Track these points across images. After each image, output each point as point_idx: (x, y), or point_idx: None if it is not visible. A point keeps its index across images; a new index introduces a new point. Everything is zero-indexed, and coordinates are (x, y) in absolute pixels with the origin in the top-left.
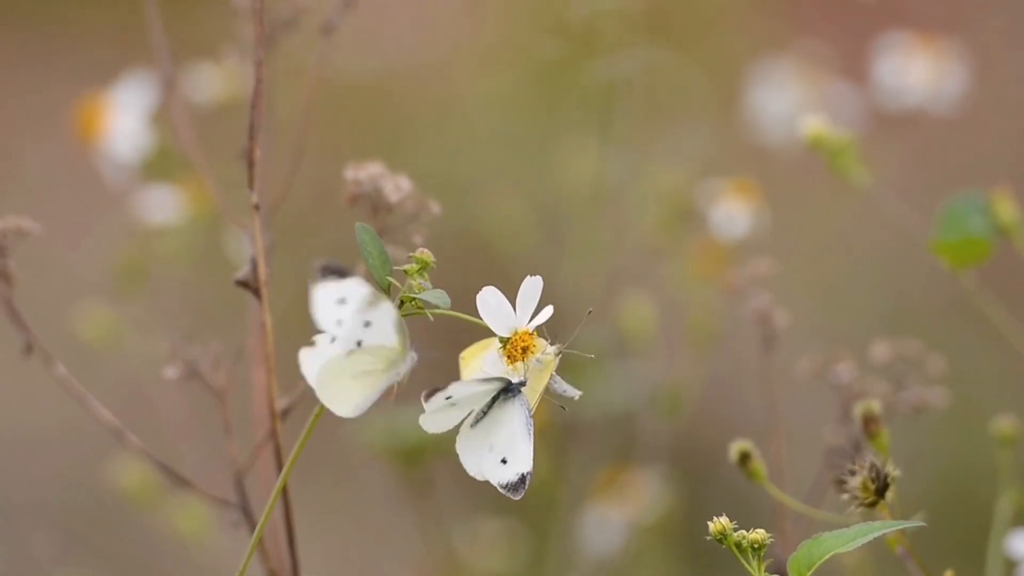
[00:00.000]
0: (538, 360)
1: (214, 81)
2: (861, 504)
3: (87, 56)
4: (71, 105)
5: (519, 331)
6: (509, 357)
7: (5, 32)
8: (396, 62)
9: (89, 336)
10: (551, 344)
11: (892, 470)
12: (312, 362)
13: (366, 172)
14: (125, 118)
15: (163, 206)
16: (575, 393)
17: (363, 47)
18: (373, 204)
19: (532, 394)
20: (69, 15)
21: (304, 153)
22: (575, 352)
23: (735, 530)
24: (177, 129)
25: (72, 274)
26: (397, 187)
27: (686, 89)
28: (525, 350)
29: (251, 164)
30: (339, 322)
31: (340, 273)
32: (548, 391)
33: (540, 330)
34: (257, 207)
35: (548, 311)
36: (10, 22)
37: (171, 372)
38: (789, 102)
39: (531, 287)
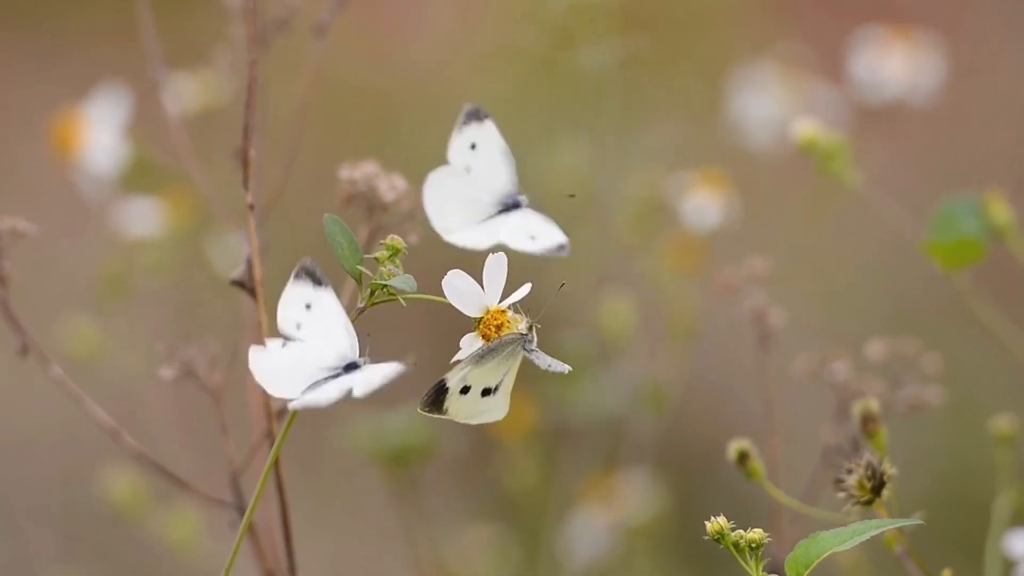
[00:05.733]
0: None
1: (201, 85)
2: (858, 502)
3: (84, 55)
4: (61, 109)
5: (491, 310)
6: (483, 336)
7: (3, 31)
8: (390, 62)
9: (78, 350)
10: (525, 319)
11: (889, 468)
12: (262, 361)
13: (361, 171)
14: (100, 133)
15: (143, 218)
16: (563, 368)
17: (357, 47)
18: (368, 203)
19: (510, 376)
20: (67, 14)
21: (298, 153)
22: (562, 353)
23: (732, 530)
24: (168, 133)
25: (70, 274)
26: (392, 186)
27: (676, 89)
28: (499, 327)
29: (246, 164)
30: (298, 325)
31: (316, 279)
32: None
33: (515, 307)
34: (252, 207)
35: (525, 288)
36: (8, 21)
37: (167, 373)
38: (771, 105)
39: (495, 265)
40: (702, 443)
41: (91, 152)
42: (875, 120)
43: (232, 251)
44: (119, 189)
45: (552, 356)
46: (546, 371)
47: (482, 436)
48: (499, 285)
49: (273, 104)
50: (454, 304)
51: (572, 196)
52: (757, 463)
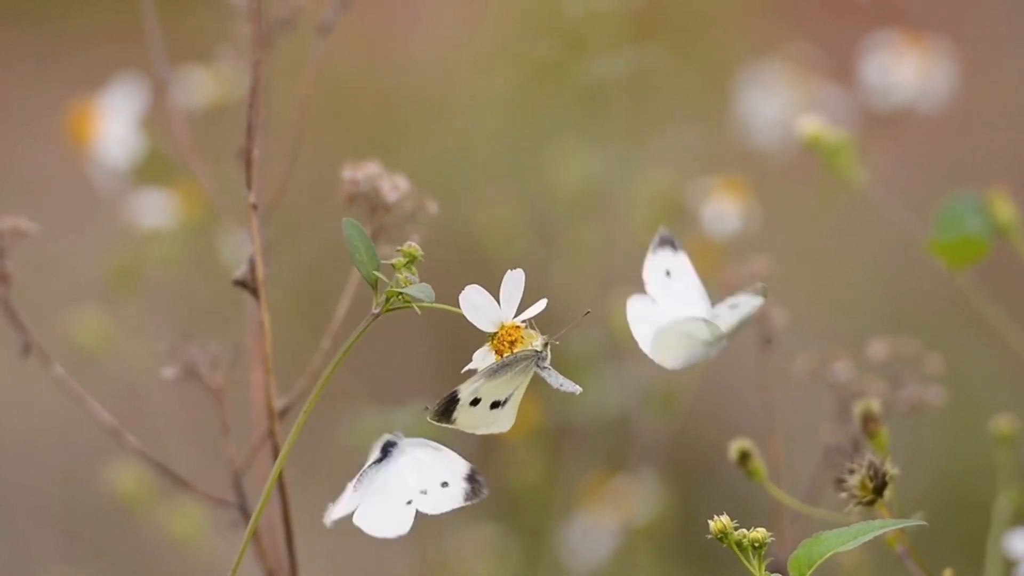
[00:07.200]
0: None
1: (208, 83)
2: (860, 502)
3: (85, 55)
4: (67, 105)
5: (505, 325)
6: (497, 351)
7: (3, 30)
8: (391, 62)
9: (84, 342)
10: (540, 336)
11: (890, 468)
12: (640, 316)
13: (364, 172)
14: (115, 124)
15: (155, 210)
16: (575, 388)
17: (358, 47)
18: (371, 203)
19: (519, 390)
20: (67, 14)
21: (301, 153)
22: (568, 353)
23: (735, 529)
24: (172, 131)
25: (71, 273)
26: (394, 186)
27: (681, 90)
28: (512, 343)
29: (249, 164)
30: (665, 287)
31: (674, 246)
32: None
33: (530, 323)
34: (255, 206)
35: (541, 304)
36: (8, 20)
37: (169, 372)
38: (779, 106)
39: (513, 281)
40: (702, 443)
41: (105, 143)
42: (880, 123)
43: (237, 249)
44: (132, 181)
45: (557, 355)
46: (558, 390)
47: (486, 435)
48: (515, 301)
49: (275, 104)
50: (469, 319)
51: (587, 313)
52: (758, 463)
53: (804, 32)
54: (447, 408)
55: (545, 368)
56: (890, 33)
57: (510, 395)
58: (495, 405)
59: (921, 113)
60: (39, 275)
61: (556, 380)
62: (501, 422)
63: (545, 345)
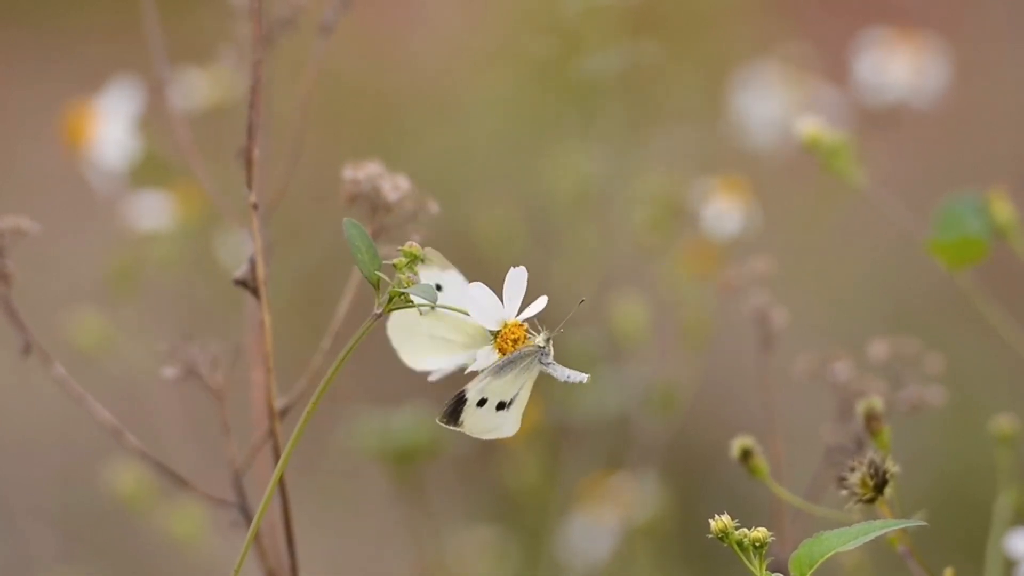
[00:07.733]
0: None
1: (207, 83)
2: (860, 500)
3: (85, 55)
4: (66, 105)
5: (508, 323)
6: (500, 350)
7: (3, 30)
8: (391, 62)
9: (83, 343)
10: (542, 333)
11: (891, 466)
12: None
13: (364, 171)
14: (112, 125)
15: (153, 212)
16: (582, 378)
17: (359, 47)
18: (371, 203)
19: (525, 390)
20: (67, 14)
21: (302, 152)
22: (568, 353)
23: (736, 528)
24: (172, 131)
25: (70, 273)
26: (395, 186)
27: (680, 90)
28: (515, 342)
29: (249, 163)
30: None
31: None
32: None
33: (531, 321)
34: (256, 206)
35: (542, 302)
36: (8, 20)
37: (169, 372)
38: (776, 105)
39: (516, 279)
40: (702, 443)
41: (102, 145)
42: (878, 121)
43: (237, 249)
44: (129, 182)
45: (556, 356)
46: (565, 382)
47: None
48: (518, 299)
49: (276, 103)
50: (474, 317)
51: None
52: (760, 460)
53: (804, 32)
54: (455, 409)
55: (549, 363)
56: (882, 30)
57: (515, 395)
58: (500, 406)
59: (915, 110)
60: (39, 275)
61: (562, 373)
62: (507, 426)
63: (547, 340)
